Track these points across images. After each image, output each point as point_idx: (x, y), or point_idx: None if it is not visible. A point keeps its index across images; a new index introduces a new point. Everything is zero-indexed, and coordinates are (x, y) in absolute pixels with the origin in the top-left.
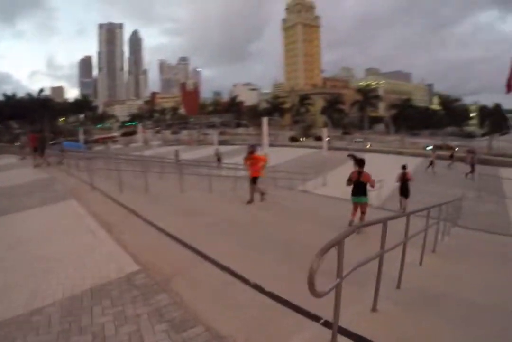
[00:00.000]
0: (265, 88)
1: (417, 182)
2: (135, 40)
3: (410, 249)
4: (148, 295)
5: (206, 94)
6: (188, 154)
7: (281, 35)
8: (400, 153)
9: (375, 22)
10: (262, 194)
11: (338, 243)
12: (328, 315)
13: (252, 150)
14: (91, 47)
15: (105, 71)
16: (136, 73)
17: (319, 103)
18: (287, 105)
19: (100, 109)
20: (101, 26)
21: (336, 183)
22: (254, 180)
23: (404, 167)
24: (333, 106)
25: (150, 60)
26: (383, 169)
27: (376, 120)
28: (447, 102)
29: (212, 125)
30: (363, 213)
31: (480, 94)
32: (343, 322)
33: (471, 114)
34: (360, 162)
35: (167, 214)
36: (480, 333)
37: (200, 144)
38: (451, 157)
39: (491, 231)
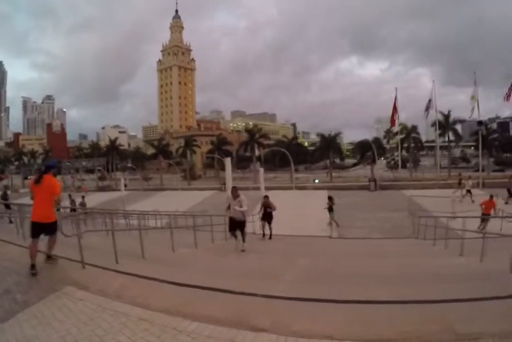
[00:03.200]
0: (132, 130)
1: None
2: None
3: None
4: None
5: (71, 136)
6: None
7: (156, 77)
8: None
9: (243, 67)
10: (49, 257)
11: None
12: None
13: (47, 168)
14: None
15: None
16: None
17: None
18: (171, 148)
19: None
20: None
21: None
22: (44, 229)
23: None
24: (220, 148)
25: (13, 96)
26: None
27: (250, 159)
28: (329, 139)
29: (89, 170)
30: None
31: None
32: None
33: (342, 148)
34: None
35: (232, 280)
36: None
37: (79, 191)
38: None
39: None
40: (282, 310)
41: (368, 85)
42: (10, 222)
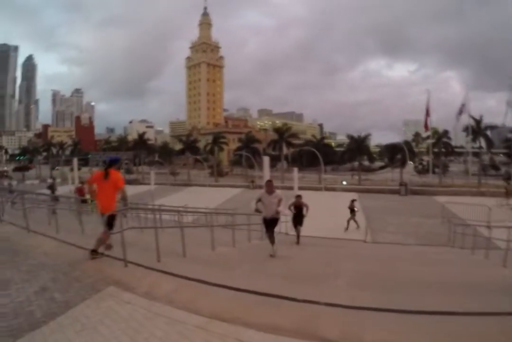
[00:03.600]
0: (159, 125)
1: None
2: (29, 66)
3: None
4: None
5: (98, 129)
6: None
7: (184, 74)
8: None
9: (270, 65)
10: (94, 251)
11: None
12: None
13: (111, 163)
14: None
15: None
16: (27, 102)
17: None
18: (198, 144)
19: None
20: None
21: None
22: (110, 220)
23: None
24: (248, 145)
25: (43, 89)
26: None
27: (277, 158)
28: (359, 140)
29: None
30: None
31: (365, 132)
32: None
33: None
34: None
35: (283, 284)
36: None
37: None
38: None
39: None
40: (348, 319)
41: (396, 87)
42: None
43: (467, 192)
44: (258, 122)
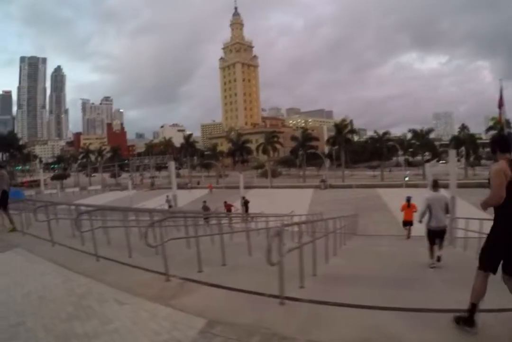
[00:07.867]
0: (189, 129)
1: None
2: (58, 77)
3: None
4: None
5: (128, 135)
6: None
7: (218, 75)
8: None
9: (299, 64)
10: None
11: None
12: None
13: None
14: (13, 82)
15: (25, 108)
16: (58, 112)
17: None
18: (251, 145)
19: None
20: (23, 59)
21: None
22: (408, 223)
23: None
24: (304, 144)
25: (74, 98)
26: None
27: (316, 156)
28: (422, 135)
29: (160, 167)
30: None
31: (395, 127)
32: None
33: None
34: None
35: None
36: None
37: (153, 189)
38: None
39: None
40: None
41: (426, 80)
42: None
43: None
44: (290, 121)
